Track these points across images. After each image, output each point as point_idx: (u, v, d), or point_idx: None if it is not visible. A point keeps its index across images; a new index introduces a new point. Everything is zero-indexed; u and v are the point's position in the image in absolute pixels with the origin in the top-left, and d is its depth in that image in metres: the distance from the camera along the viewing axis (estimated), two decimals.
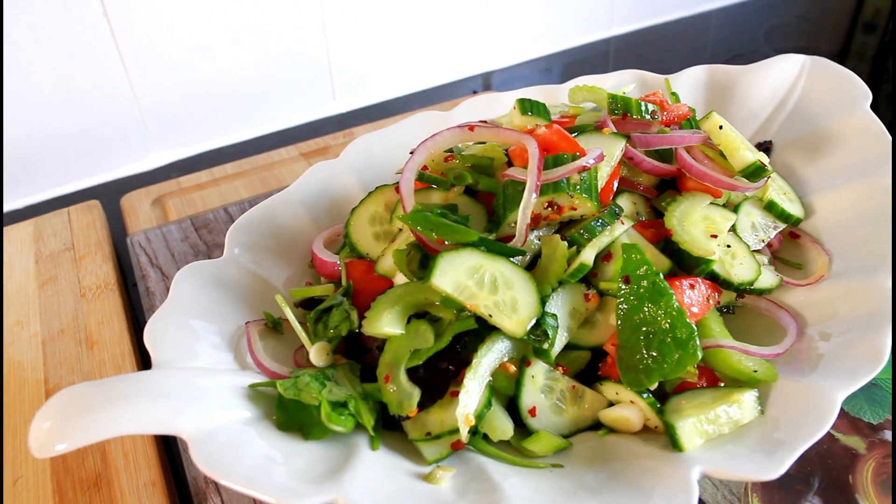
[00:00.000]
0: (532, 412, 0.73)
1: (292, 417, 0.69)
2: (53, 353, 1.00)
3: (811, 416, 0.68)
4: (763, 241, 0.90)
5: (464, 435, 0.68)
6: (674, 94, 1.01)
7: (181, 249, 1.18)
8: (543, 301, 0.73)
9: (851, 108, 1.00)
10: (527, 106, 0.84)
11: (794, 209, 0.93)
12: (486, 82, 1.83)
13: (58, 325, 1.05)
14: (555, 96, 1.15)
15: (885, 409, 0.86)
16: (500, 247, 0.73)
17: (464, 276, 0.70)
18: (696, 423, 0.69)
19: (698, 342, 0.71)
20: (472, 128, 0.81)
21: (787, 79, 1.09)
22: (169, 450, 0.91)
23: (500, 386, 0.74)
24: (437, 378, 0.71)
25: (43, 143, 1.38)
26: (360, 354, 0.77)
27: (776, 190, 0.94)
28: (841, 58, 1.78)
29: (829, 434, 0.84)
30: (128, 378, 0.66)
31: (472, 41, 1.77)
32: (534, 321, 0.71)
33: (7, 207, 1.41)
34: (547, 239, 0.75)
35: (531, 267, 0.77)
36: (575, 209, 0.76)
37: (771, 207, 0.92)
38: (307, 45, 1.56)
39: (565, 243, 0.74)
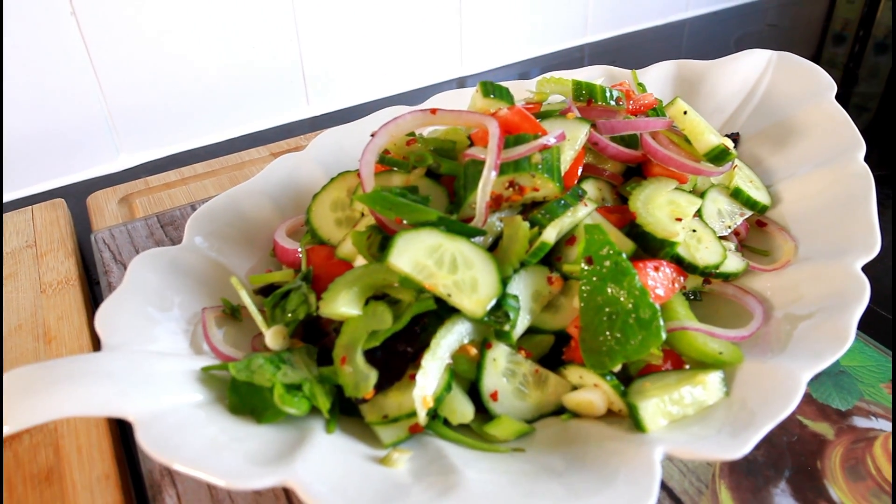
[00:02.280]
0: (494, 396, 0.72)
1: (245, 401, 0.67)
2: (10, 348, 0.97)
3: (776, 397, 0.67)
4: (729, 227, 0.90)
5: (421, 417, 0.66)
6: (640, 84, 1.01)
7: (146, 245, 1.16)
8: (505, 282, 0.72)
9: (817, 99, 1.00)
10: (489, 89, 0.84)
11: (760, 196, 0.93)
12: (460, 87, 1.84)
13: (16, 320, 1.02)
14: (523, 91, 1.15)
15: (853, 396, 0.85)
16: (461, 226, 0.72)
17: (422, 255, 0.69)
18: (659, 404, 0.68)
19: (662, 322, 0.70)
20: (433, 111, 0.80)
21: (753, 73, 1.10)
22: (125, 443, 0.88)
23: (461, 369, 0.72)
24: (395, 360, 0.69)
25: (9, 144, 1.36)
26: (318, 339, 0.75)
27: (742, 178, 0.94)
28: None
29: (797, 421, 0.83)
30: (74, 360, 0.64)
31: (448, 46, 1.77)
32: (494, 301, 0.69)
33: None
34: (509, 220, 0.74)
35: (493, 249, 0.75)
36: (537, 190, 0.76)
37: (737, 194, 0.91)
38: (280, 49, 1.56)
39: (527, 224, 0.73)
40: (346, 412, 0.72)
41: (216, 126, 1.58)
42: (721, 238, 0.90)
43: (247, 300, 0.76)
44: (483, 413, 0.73)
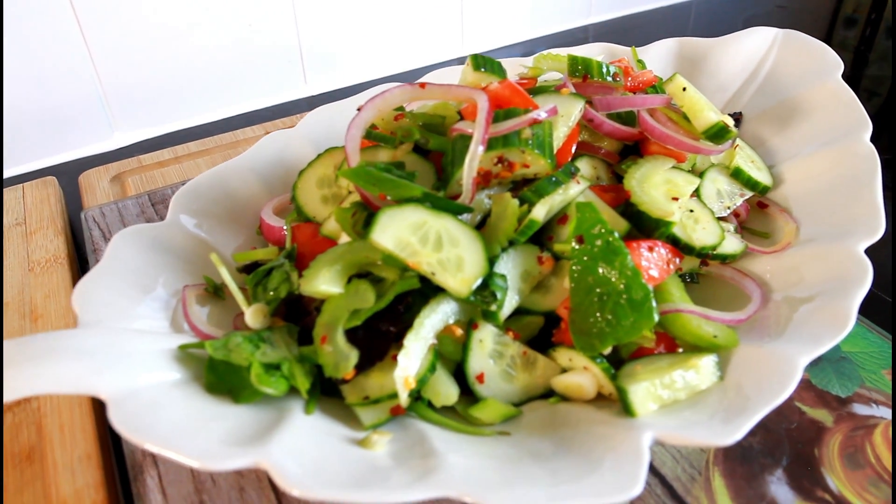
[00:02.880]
0: (480, 378, 0.70)
1: (222, 380, 0.65)
2: None
3: (772, 382, 0.65)
4: (728, 207, 0.87)
5: (403, 399, 0.64)
6: (640, 61, 0.98)
7: (136, 224, 1.14)
8: (492, 261, 0.70)
9: (822, 78, 0.97)
10: (480, 62, 0.81)
11: (761, 177, 0.90)
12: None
13: (4, 297, 1.00)
14: (518, 67, 1.12)
15: (853, 383, 0.82)
16: (447, 203, 0.69)
17: (406, 232, 0.67)
18: (649, 388, 0.65)
19: (654, 304, 0.68)
20: (422, 85, 0.78)
21: (758, 51, 1.06)
22: (108, 423, 0.86)
23: (446, 350, 0.70)
24: (378, 340, 0.67)
25: (4, 122, 1.34)
26: (300, 318, 0.73)
27: (744, 158, 0.91)
28: None
29: (795, 407, 0.80)
30: (47, 337, 0.62)
31: (448, 25, 1.74)
32: (480, 281, 0.67)
33: None
34: (498, 197, 0.72)
35: (481, 227, 0.73)
36: (528, 166, 0.73)
37: (737, 174, 0.88)
38: (278, 27, 1.53)
39: (516, 201, 0.71)
40: (328, 393, 0.70)
41: (212, 105, 1.56)
42: (720, 219, 0.88)
43: (227, 277, 0.74)
44: (469, 395, 0.71)
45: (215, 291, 0.79)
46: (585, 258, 0.70)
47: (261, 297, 0.73)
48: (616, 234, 0.70)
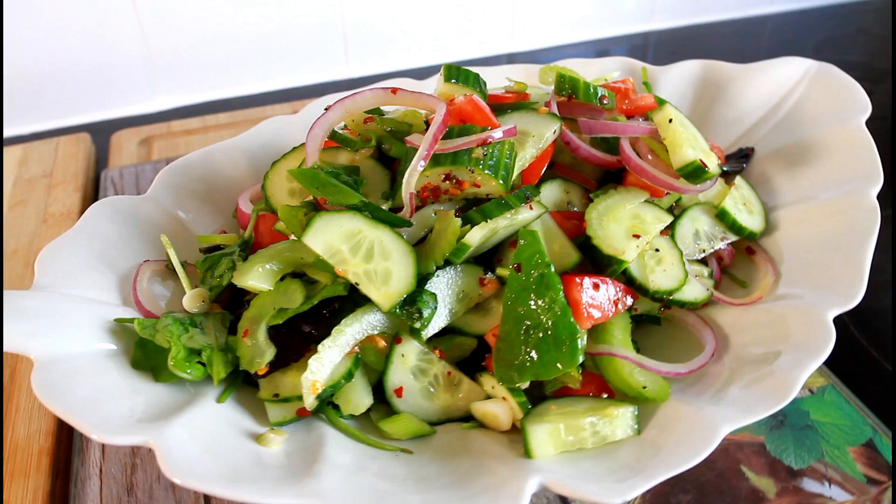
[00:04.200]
0: (398, 392, 0.70)
1: (148, 357, 0.68)
2: (1, 271, 1.03)
3: (687, 446, 0.62)
4: (704, 251, 0.82)
5: (308, 402, 0.65)
6: (647, 83, 0.93)
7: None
8: (426, 278, 0.69)
9: (845, 120, 0.90)
10: (452, 73, 0.79)
11: (750, 222, 0.84)
12: (510, 62, 1.77)
13: (14, 245, 1.08)
14: (532, 76, 1.09)
15: (811, 455, 0.77)
16: (385, 214, 0.69)
17: (338, 239, 0.67)
18: (553, 431, 0.64)
19: (580, 345, 0.66)
20: (394, 90, 0.77)
21: (785, 83, 0.99)
22: None
23: (369, 360, 0.70)
24: (297, 340, 0.68)
25: (51, 76, 1.43)
26: (238, 307, 0.75)
27: (736, 199, 0.86)
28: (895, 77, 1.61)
29: (740, 471, 0.76)
30: None
31: (498, 18, 1.71)
32: (404, 296, 0.67)
33: (10, 133, 1.46)
34: (442, 214, 0.71)
35: (423, 242, 0.72)
36: (478, 186, 0.72)
37: (722, 216, 0.84)
38: (324, 6, 1.55)
39: (458, 220, 0.69)
40: (252, 384, 0.72)
41: (253, 78, 1.60)
42: (698, 261, 0.84)
43: (173, 258, 0.76)
44: (388, 407, 0.71)
45: (175, 270, 0.81)
46: (520, 288, 0.68)
47: (208, 282, 0.76)
48: (552, 268, 0.68)
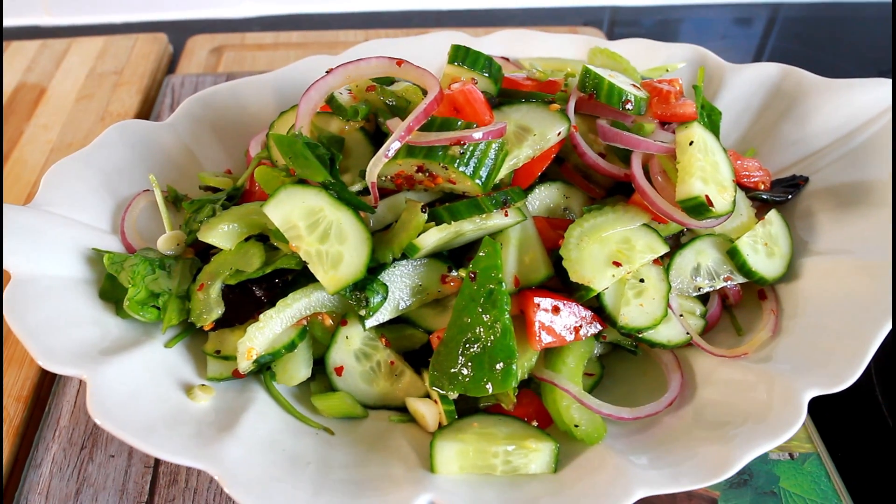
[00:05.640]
0: (338, 371, 0.71)
1: (115, 290, 0.72)
2: (53, 162, 1.10)
3: (596, 498, 0.59)
4: (700, 289, 0.75)
5: (241, 366, 0.67)
6: (697, 87, 0.83)
7: None
8: (379, 267, 0.68)
9: None
10: (459, 55, 0.74)
11: (764, 266, 0.76)
12: (612, 17, 1.64)
13: (70, 138, 1.15)
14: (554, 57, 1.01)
15: None
16: (350, 196, 0.68)
17: (298, 214, 0.67)
18: (462, 451, 0.63)
19: (514, 370, 0.64)
20: (399, 62, 0.73)
21: (868, 110, 0.86)
22: None
23: (317, 334, 0.71)
24: (247, 303, 0.70)
25: None
26: (208, 257, 0.77)
27: (757, 237, 0.77)
28: None
29: None
30: None
31: None
32: (352, 283, 0.66)
33: (100, 20, 1.53)
34: (411, 204, 0.68)
35: (388, 228, 0.71)
36: (453, 182, 0.68)
37: (733, 255, 0.76)
38: None
39: (423, 215, 0.67)
40: (205, 335, 0.74)
41: None
42: (695, 297, 0.77)
43: (159, 198, 0.79)
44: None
45: (174, 201, 0.84)
46: (470, 297, 0.66)
47: (190, 225, 0.78)
48: (503, 286, 0.65)
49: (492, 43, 1.05)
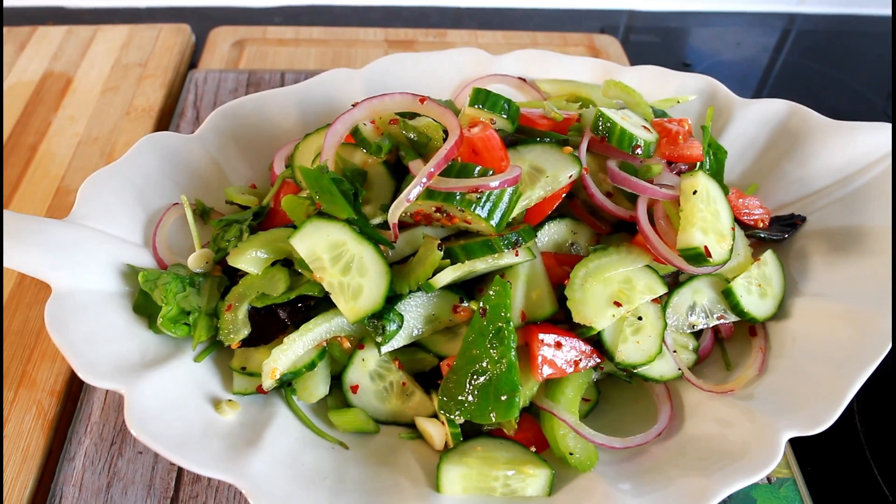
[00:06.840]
0: (354, 389, 0.76)
1: (149, 304, 0.77)
2: (80, 156, 1.15)
3: None
4: (694, 326, 0.80)
5: (265, 384, 0.73)
6: (705, 127, 0.87)
7: (227, 100, 1.26)
8: (396, 299, 0.73)
9: None
10: (480, 98, 0.78)
11: (756, 307, 0.81)
12: (628, 21, 1.65)
13: (97, 132, 1.19)
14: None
15: None
16: (371, 232, 0.72)
17: (322, 247, 0.71)
18: (465, 474, 0.69)
19: (517, 401, 0.69)
20: (422, 100, 0.77)
21: (869, 154, 0.90)
22: None
23: (334, 353, 0.77)
24: (272, 325, 0.75)
25: None
26: (236, 275, 0.82)
27: (752, 278, 0.82)
28: None
29: None
30: (26, 219, 0.76)
31: None
32: (369, 314, 0.71)
33: (123, 4, 1.55)
34: (428, 241, 0.73)
35: (406, 261, 0.75)
36: (468, 222, 0.73)
37: (727, 295, 0.80)
38: None
39: (440, 253, 0.72)
40: (231, 349, 0.80)
41: None
42: (692, 333, 0.82)
43: (189, 216, 0.83)
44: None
45: (202, 214, 0.89)
46: (480, 331, 0.71)
47: (218, 243, 0.83)
48: (511, 324, 0.70)
49: (509, 63, 1.08)
